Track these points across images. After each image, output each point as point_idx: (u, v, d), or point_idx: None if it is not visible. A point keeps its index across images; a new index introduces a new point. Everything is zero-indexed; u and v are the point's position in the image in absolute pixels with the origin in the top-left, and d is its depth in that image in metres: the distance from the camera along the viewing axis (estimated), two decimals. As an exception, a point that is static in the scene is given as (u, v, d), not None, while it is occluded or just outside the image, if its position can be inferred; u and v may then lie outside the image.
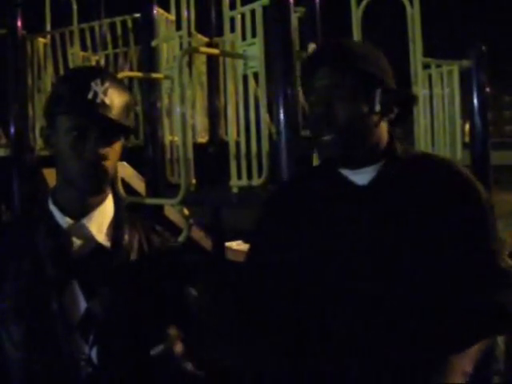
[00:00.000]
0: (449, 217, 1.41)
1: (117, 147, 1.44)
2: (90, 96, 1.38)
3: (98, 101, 1.38)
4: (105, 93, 1.39)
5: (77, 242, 1.45)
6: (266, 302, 1.52)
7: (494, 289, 1.42)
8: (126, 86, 1.57)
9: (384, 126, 1.48)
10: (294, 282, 1.47)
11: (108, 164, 1.41)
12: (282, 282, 1.49)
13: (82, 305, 1.41)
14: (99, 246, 1.46)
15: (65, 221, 1.45)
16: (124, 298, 1.44)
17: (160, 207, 4.19)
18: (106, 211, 1.50)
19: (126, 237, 1.51)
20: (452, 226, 1.40)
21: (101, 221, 1.48)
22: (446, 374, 1.34)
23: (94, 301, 1.41)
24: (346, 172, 1.47)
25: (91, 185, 1.41)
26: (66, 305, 1.40)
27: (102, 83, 1.40)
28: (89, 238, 1.46)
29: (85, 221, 1.46)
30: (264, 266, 1.53)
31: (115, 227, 1.50)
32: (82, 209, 1.46)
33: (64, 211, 1.46)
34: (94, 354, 1.39)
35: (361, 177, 1.46)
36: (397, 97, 1.47)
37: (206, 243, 4.74)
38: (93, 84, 1.39)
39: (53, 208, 1.47)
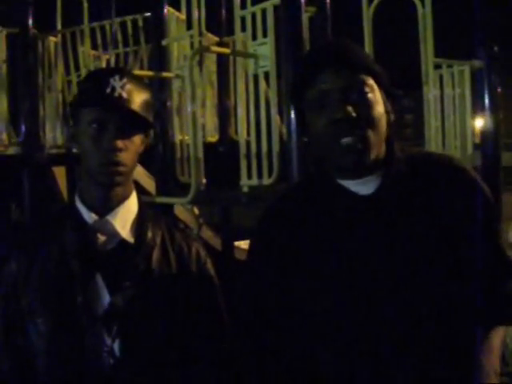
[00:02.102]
0: (457, 213, 1.37)
1: (136, 140, 1.50)
2: (108, 90, 1.45)
3: (116, 94, 1.45)
4: (123, 87, 1.46)
5: (101, 237, 1.50)
6: (263, 327, 1.48)
7: (507, 280, 1.42)
8: (147, 85, 1.60)
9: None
10: (296, 304, 1.41)
11: (125, 156, 1.46)
12: (282, 304, 1.44)
13: (106, 298, 1.46)
14: (123, 241, 1.51)
15: (90, 217, 1.50)
16: (146, 291, 1.48)
17: (170, 206, 4.20)
18: (130, 208, 1.55)
19: (150, 233, 1.54)
20: (461, 222, 1.37)
21: (125, 217, 1.53)
22: (481, 376, 1.32)
23: (117, 294, 1.46)
24: (346, 183, 1.39)
25: (107, 176, 1.46)
26: (90, 298, 1.45)
27: (121, 79, 1.47)
28: (113, 234, 1.51)
29: (109, 217, 1.51)
30: (262, 289, 1.48)
31: (139, 223, 1.54)
32: (107, 205, 1.51)
33: (90, 207, 1.51)
34: (116, 346, 1.44)
35: (364, 187, 1.38)
36: (398, 97, 1.42)
37: (215, 242, 4.74)
38: (111, 79, 1.46)
39: (79, 205, 1.52)
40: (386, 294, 1.33)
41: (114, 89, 1.45)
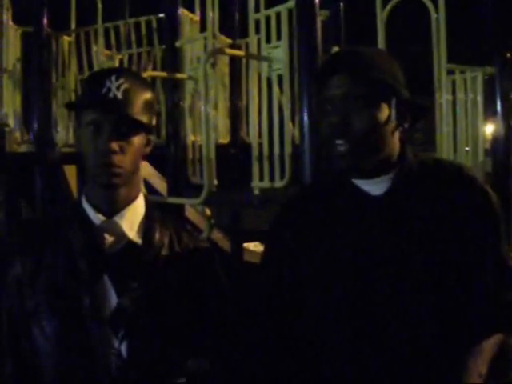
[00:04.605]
0: (463, 220, 1.43)
1: (135, 142, 1.46)
2: (103, 91, 1.43)
3: (111, 96, 1.43)
4: (118, 88, 1.43)
5: (109, 238, 1.49)
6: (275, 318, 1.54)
7: (508, 288, 1.46)
8: (149, 84, 1.59)
9: (397, 135, 1.48)
10: (309, 295, 1.48)
11: (122, 158, 1.44)
12: (295, 295, 1.50)
13: (113, 300, 1.45)
14: (130, 242, 1.50)
15: (97, 217, 1.49)
16: (154, 292, 1.47)
17: (181, 207, 4.21)
18: (137, 209, 1.54)
19: (157, 234, 1.54)
20: (467, 228, 1.43)
21: (132, 218, 1.52)
22: (463, 376, 1.36)
23: (124, 296, 1.45)
24: (359, 182, 1.47)
25: (104, 177, 1.44)
26: (97, 299, 1.44)
27: (117, 80, 1.44)
28: (120, 235, 1.50)
29: (117, 218, 1.50)
30: (276, 282, 1.54)
31: (146, 225, 1.53)
32: (114, 206, 1.50)
33: (96, 208, 1.50)
34: (123, 347, 1.43)
35: (376, 187, 1.46)
36: (411, 106, 1.47)
37: (225, 244, 4.75)
38: (107, 81, 1.44)
39: (86, 205, 1.52)
40: (392, 291, 1.39)
41: (109, 90, 1.42)
